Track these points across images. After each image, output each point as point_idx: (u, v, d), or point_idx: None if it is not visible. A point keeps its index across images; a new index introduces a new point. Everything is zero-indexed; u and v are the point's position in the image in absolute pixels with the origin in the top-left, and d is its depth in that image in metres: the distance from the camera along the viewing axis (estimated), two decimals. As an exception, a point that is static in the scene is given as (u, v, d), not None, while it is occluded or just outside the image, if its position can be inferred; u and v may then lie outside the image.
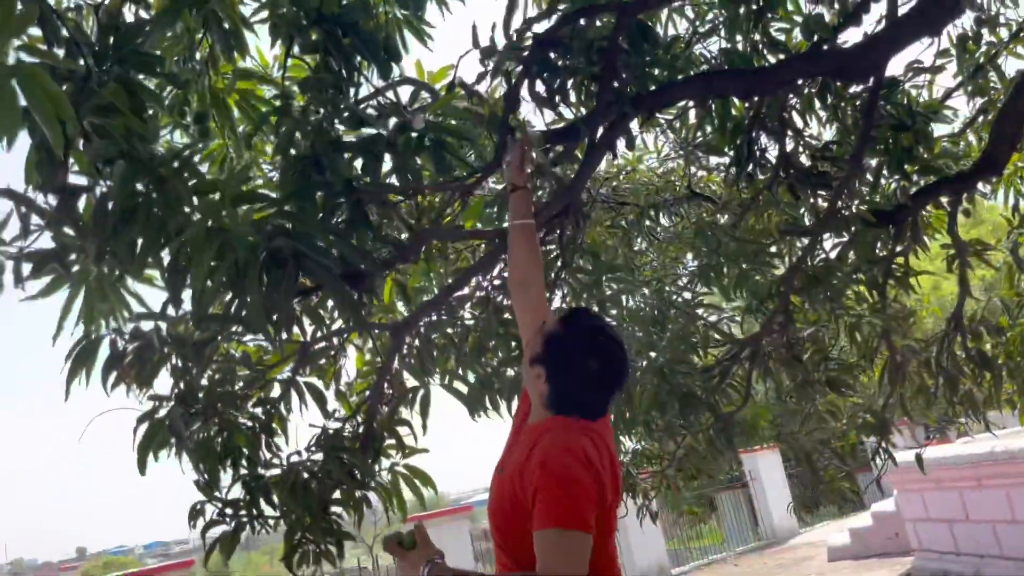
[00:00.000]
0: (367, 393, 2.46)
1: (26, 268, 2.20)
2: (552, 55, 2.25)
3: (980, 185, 4.01)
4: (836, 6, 2.79)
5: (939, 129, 3.79)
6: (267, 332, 1.87)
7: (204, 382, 2.25)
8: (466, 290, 2.50)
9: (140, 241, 2.06)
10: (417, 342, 2.51)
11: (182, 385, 2.17)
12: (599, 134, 2.31)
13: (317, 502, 2.16)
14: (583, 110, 2.37)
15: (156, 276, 2.46)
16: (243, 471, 2.26)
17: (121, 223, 2.07)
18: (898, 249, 3.85)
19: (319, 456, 2.22)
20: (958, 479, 7.92)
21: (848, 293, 3.57)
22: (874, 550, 10.15)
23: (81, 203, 2.14)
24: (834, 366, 3.56)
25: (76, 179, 2.25)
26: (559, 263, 2.57)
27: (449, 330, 2.56)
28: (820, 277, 3.21)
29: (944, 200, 3.94)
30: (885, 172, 3.67)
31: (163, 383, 2.45)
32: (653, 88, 2.40)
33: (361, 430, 2.26)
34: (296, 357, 2.24)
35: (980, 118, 4.08)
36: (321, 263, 1.87)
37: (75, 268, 2.25)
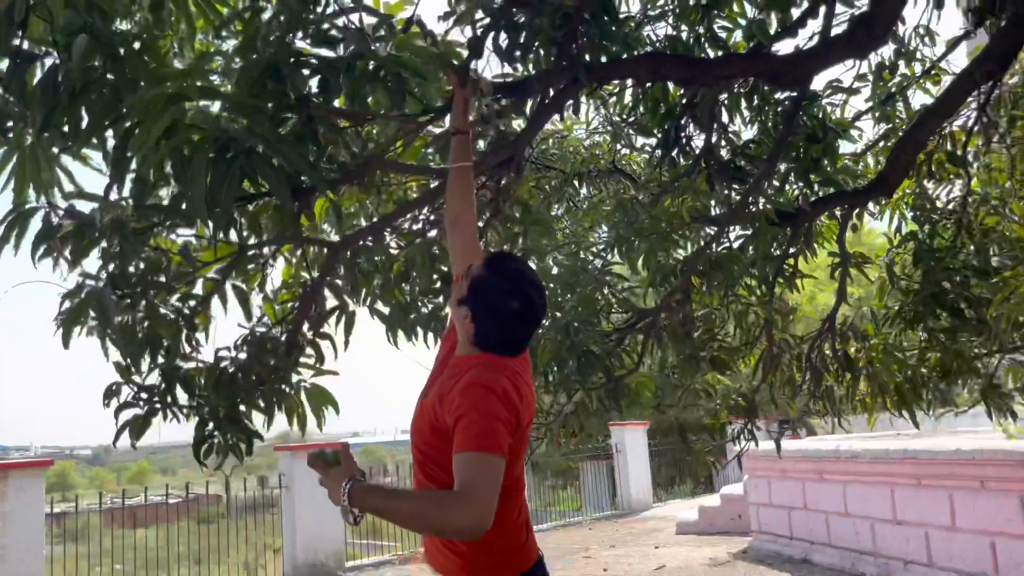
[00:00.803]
0: (294, 304, 2.54)
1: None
2: (520, 12, 2.36)
3: (871, 204, 4.39)
4: (779, 16, 3.01)
5: (844, 146, 4.12)
6: (207, 225, 1.93)
7: (133, 269, 2.29)
8: (402, 222, 2.61)
9: (88, 118, 2.07)
10: (344, 263, 2.60)
11: (112, 268, 2.20)
12: (551, 95, 2.45)
13: (237, 397, 2.24)
14: (537, 69, 2.50)
15: (94, 157, 2.46)
16: (162, 360, 2.32)
17: (72, 97, 2.08)
18: (791, 251, 4.18)
19: (243, 355, 2.30)
20: (803, 471, 8.61)
21: (742, 283, 3.86)
22: (718, 528, 10.91)
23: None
24: (719, 347, 3.87)
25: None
26: (490, 210, 2.71)
27: (377, 257, 2.66)
28: (721, 264, 3.48)
29: (838, 212, 4.31)
30: (792, 177, 3.97)
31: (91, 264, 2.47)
32: (605, 60, 2.55)
33: (285, 338, 2.35)
34: (228, 260, 2.30)
35: (881, 143, 4.45)
36: (271, 165, 1.94)
37: (11, 136, 2.24)
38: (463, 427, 1.76)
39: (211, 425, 2.30)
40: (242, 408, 2.32)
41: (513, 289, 1.98)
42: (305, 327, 2.42)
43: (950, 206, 4.37)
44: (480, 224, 2.76)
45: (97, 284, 2.24)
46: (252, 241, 2.40)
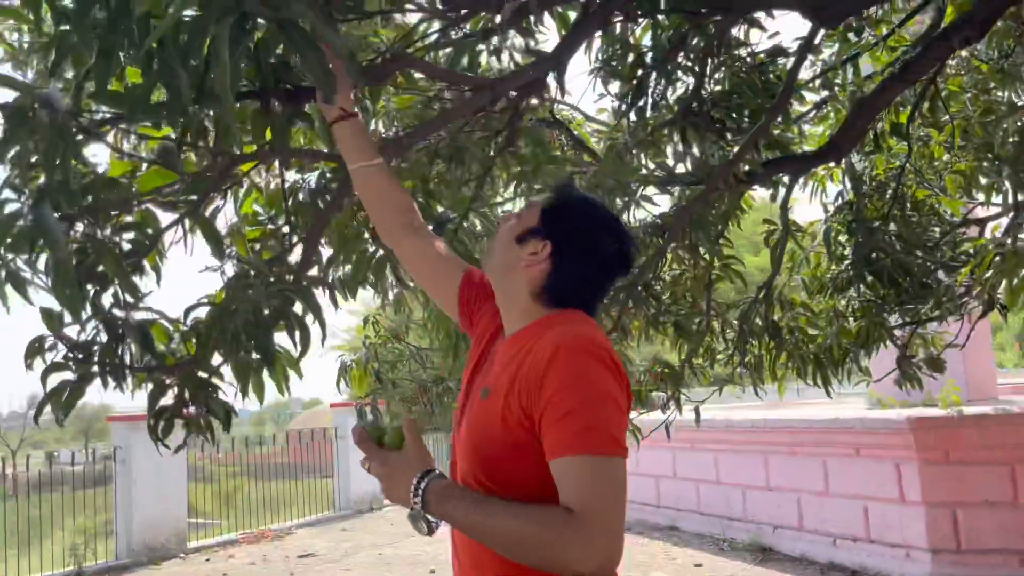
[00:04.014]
0: (287, 239, 2.00)
1: None
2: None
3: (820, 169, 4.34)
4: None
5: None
6: (225, 122, 1.41)
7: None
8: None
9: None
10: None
11: (54, 178, 1.59)
12: (596, 4, 2.07)
13: (218, 355, 1.70)
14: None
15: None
16: (111, 305, 1.73)
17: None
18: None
19: (233, 302, 1.74)
20: (674, 441, 8.74)
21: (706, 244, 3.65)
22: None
23: None
24: (683, 310, 3.65)
25: None
26: (503, 143, 2.29)
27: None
28: (702, 224, 3.24)
29: (785, 178, 4.21)
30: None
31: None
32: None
33: (291, 280, 1.81)
34: (208, 179, 1.74)
35: (821, 109, 4.39)
36: (314, 46, 1.44)
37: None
38: (559, 418, 1.24)
39: (179, 393, 1.74)
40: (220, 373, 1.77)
41: (607, 220, 1.49)
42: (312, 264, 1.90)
43: (881, 178, 4.40)
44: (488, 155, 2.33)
45: (22, 200, 1.63)
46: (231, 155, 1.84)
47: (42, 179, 1.67)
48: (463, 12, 1.90)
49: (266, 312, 1.66)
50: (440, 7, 1.87)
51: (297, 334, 1.72)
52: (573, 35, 2.08)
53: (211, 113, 1.81)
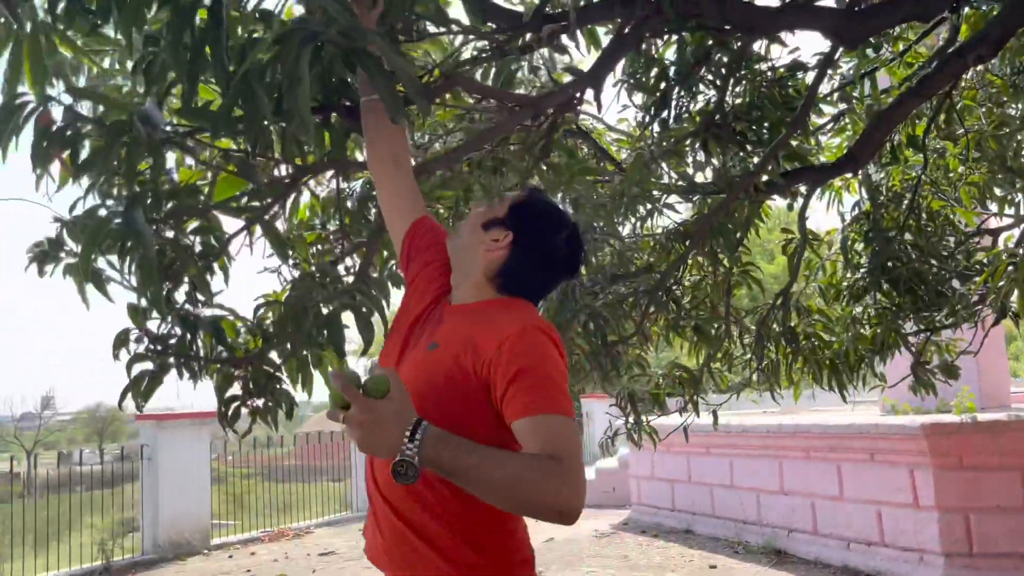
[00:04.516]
0: (340, 243, 2.16)
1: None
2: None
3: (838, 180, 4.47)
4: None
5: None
6: (305, 136, 1.57)
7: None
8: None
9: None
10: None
11: (137, 187, 1.76)
12: (630, 25, 2.22)
13: (290, 348, 1.85)
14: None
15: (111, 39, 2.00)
16: (185, 301, 1.90)
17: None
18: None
19: (295, 299, 1.90)
20: (688, 446, 8.87)
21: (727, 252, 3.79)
22: (592, 502, 11.10)
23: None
24: (704, 314, 3.79)
25: None
26: (539, 154, 2.44)
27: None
28: (723, 231, 3.39)
29: (803, 188, 4.35)
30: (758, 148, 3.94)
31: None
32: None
33: (352, 281, 1.97)
34: (279, 188, 1.90)
35: (840, 121, 4.52)
36: (382, 68, 1.60)
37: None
38: (533, 384, 1.41)
39: (245, 385, 1.91)
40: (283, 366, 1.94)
41: (564, 226, 1.68)
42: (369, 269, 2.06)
43: (897, 189, 4.52)
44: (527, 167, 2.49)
45: (111, 204, 1.80)
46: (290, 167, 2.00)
47: (126, 187, 1.85)
48: (508, 33, 2.06)
49: (333, 309, 1.82)
50: (487, 28, 2.02)
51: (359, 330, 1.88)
52: (609, 55, 2.23)
53: (281, 126, 1.98)
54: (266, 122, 1.75)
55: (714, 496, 8.46)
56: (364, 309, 1.76)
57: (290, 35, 1.54)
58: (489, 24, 2.10)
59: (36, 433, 35.63)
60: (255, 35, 1.78)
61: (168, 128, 1.87)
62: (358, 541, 9.45)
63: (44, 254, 1.97)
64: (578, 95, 2.26)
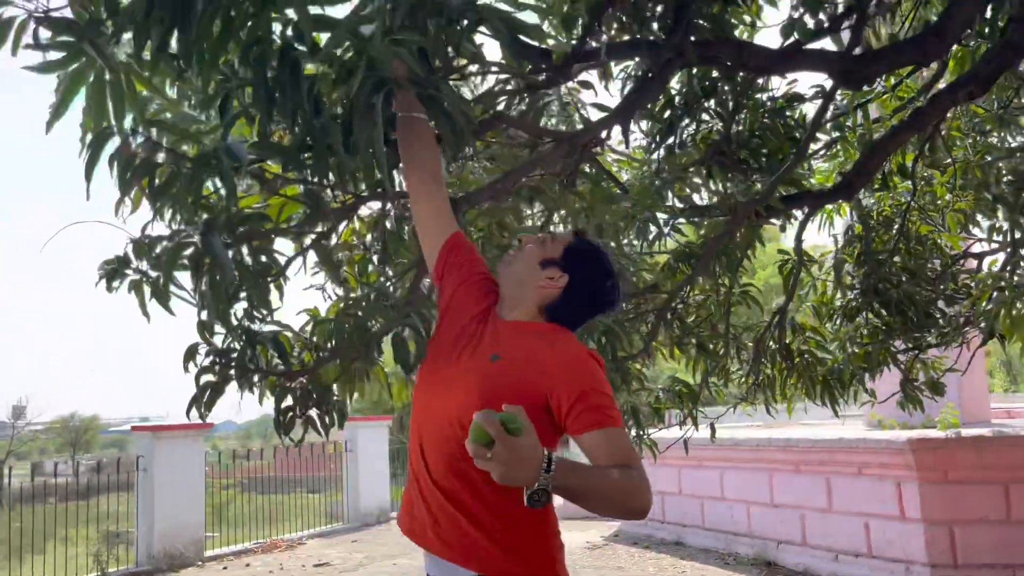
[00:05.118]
0: (383, 265, 2.33)
1: (44, 33, 1.84)
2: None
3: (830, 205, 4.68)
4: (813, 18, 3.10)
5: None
6: (381, 174, 1.74)
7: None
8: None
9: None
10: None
11: (213, 213, 1.91)
12: (658, 68, 2.40)
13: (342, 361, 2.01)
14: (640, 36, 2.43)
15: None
16: (243, 318, 2.05)
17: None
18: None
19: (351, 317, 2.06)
20: (679, 459, 9.05)
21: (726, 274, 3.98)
22: (582, 514, 11.24)
23: None
24: (706, 332, 3.98)
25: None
26: (564, 183, 2.62)
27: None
28: (728, 252, 3.58)
29: (799, 212, 4.56)
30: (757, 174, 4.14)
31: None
32: (696, 40, 2.54)
33: (400, 302, 2.13)
34: (341, 215, 2.06)
35: (831, 148, 4.74)
36: (442, 106, 1.77)
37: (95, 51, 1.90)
38: (597, 403, 1.66)
39: (301, 395, 2.06)
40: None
41: (610, 273, 1.91)
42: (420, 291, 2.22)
43: (887, 214, 4.74)
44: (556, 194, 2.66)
45: (186, 229, 1.95)
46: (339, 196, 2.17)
47: (202, 212, 2.00)
48: (545, 74, 2.24)
49: (396, 327, 1.98)
50: (523, 67, 2.20)
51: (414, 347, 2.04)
52: (636, 95, 2.42)
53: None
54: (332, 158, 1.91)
55: (704, 508, 8.64)
56: (416, 328, 1.92)
57: (366, 80, 1.71)
58: (525, 63, 2.28)
59: (9, 443, 35.03)
60: (320, 71, 1.94)
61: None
62: (351, 552, 9.54)
63: (114, 271, 2.11)
64: (606, 131, 2.43)
